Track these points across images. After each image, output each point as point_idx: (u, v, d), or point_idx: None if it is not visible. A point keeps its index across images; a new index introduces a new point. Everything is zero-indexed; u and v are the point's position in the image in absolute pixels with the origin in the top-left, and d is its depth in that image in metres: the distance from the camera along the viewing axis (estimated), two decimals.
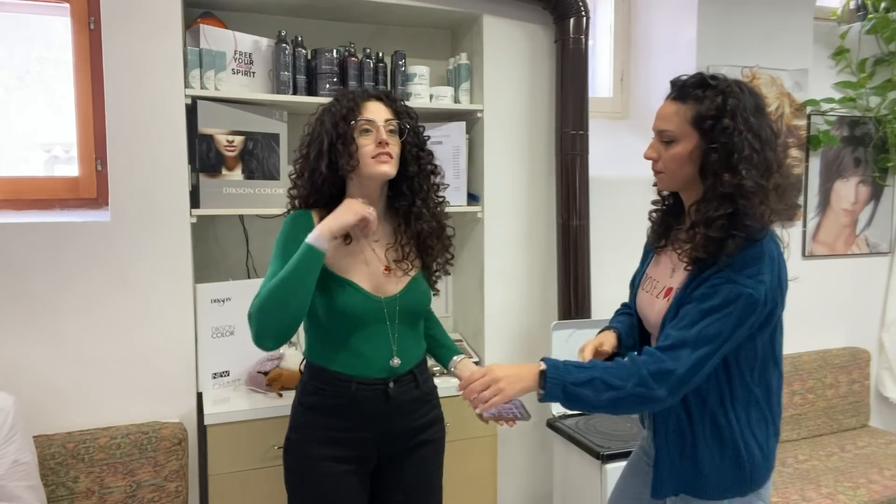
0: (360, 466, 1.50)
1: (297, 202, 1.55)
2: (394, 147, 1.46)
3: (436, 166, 1.56)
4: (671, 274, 1.39)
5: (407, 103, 1.57)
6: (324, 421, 1.48)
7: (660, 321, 1.36)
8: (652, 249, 1.50)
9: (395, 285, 1.51)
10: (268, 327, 1.38)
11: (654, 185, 1.44)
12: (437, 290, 1.62)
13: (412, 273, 1.53)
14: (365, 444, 1.50)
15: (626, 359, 1.31)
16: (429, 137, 1.59)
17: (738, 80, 1.32)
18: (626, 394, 1.22)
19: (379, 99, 1.48)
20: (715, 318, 1.23)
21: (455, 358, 1.66)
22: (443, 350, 1.69)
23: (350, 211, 1.40)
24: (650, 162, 1.40)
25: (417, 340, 1.60)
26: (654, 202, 1.50)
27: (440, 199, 1.59)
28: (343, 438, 1.48)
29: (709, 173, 1.27)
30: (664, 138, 1.34)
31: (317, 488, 1.47)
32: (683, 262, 1.31)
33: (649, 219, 1.52)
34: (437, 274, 1.60)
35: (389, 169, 1.44)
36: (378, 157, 1.42)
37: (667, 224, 1.46)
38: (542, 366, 1.28)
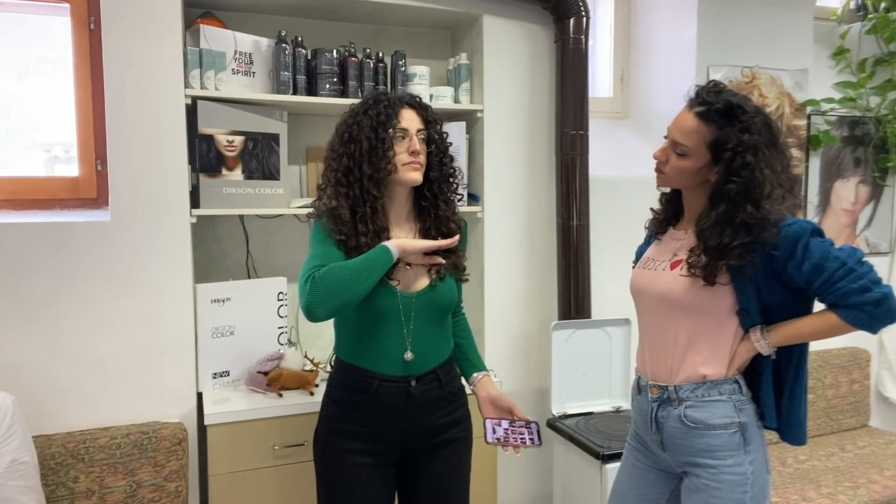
0: (382, 459, 1.55)
1: (327, 202, 1.53)
2: (423, 156, 1.55)
3: (455, 170, 1.64)
4: (672, 257, 1.48)
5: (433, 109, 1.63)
6: (347, 415, 1.54)
7: (668, 291, 1.44)
8: (654, 235, 1.61)
9: (416, 282, 1.55)
10: (325, 301, 1.39)
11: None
12: (467, 278, 1.65)
13: (434, 271, 1.57)
14: (386, 439, 1.54)
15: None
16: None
17: (759, 109, 1.37)
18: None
19: (412, 107, 1.57)
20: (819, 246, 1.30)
21: (475, 375, 1.67)
22: (465, 363, 1.71)
23: (418, 250, 1.50)
24: (653, 161, 1.47)
25: (443, 339, 1.61)
26: (661, 195, 1.60)
27: (457, 201, 1.66)
28: (365, 432, 1.52)
29: (723, 200, 1.34)
30: (677, 150, 1.39)
31: (339, 478, 1.54)
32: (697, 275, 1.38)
33: (657, 207, 1.61)
34: (451, 272, 1.61)
35: (419, 176, 1.54)
36: (410, 165, 1.52)
37: (669, 214, 1.57)
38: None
